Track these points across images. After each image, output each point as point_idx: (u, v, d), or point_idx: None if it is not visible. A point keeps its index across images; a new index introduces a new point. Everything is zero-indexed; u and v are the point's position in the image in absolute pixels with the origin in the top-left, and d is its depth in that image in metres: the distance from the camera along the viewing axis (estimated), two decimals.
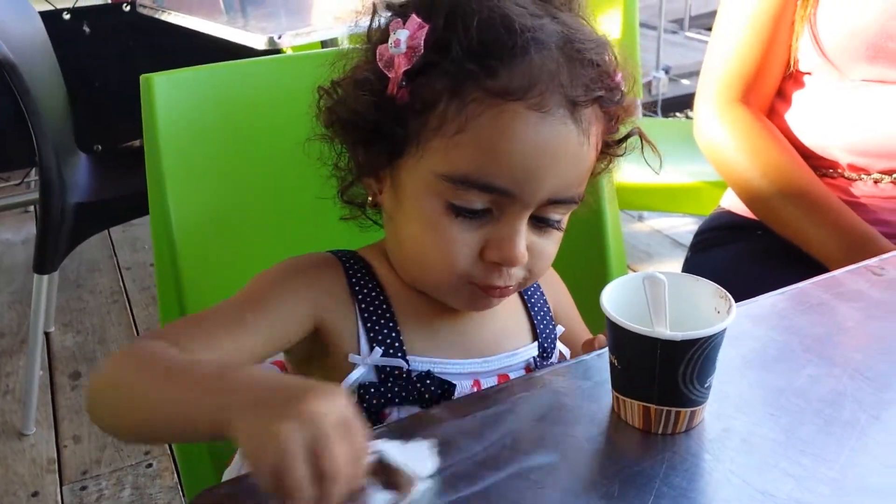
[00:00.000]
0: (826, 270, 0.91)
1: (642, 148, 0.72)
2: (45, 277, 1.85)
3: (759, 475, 0.56)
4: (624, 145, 0.71)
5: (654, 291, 0.58)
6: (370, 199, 0.72)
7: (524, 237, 0.65)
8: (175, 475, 1.74)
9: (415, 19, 0.62)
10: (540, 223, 0.66)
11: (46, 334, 2.24)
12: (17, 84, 1.65)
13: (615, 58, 0.66)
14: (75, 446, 1.85)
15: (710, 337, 0.56)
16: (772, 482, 0.55)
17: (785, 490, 0.54)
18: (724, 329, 0.57)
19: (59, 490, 1.72)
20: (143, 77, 0.90)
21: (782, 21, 1.09)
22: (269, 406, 0.48)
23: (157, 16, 2.13)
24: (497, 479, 0.56)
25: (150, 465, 1.77)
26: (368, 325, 0.69)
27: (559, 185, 0.64)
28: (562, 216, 0.67)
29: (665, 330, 0.58)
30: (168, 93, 0.90)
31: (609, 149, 0.70)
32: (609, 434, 0.61)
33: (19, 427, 1.90)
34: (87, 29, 2.39)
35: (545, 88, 0.61)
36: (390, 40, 0.63)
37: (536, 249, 0.66)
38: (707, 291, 0.62)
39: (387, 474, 0.52)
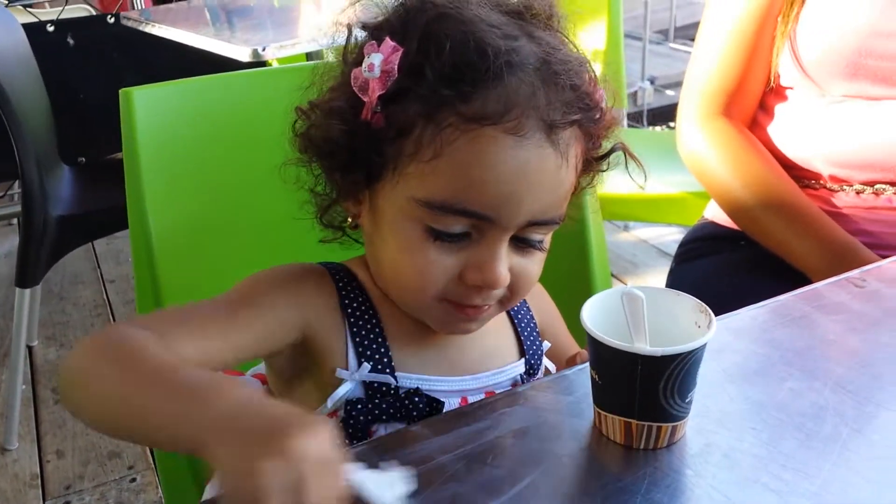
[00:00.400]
0: (809, 281, 0.91)
1: (626, 162, 0.72)
2: (28, 291, 1.84)
3: (740, 490, 0.56)
4: (607, 161, 0.70)
5: (633, 307, 0.58)
6: (349, 220, 0.71)
7: (505, 259, 0.64)
8: (159, 490, 1.73)
9: (389, 42, 0.61)
10: (521, 244, 0.66)
11: (29, 348, 2.22)
12: None
13: (594, 75, 0.65)
14: (58, 461, 1.83)
15: (690, 352, 0.56)
16: (753, 497, 0.55)
17: None
18: (705, 344, 0.57)
19: None
20: (122, 91, 0.90)
21: (763, 36, 1.10)
22: (251, 438, 0.47)
23: (141, 28, 2.12)
24: (479, 497, 0.55)
25: (133, 480, 1.76)
26: (357, 339, 0.69)
27: (538, 209, 0.63)
28: (543, 236, 0.67)
29: (645, 345, 0.58)
30: (147, 107, 0.90)
31: (592, 165, 0.69)
32: (591, 449, 0.61)
33: (1, 442, 1.89)
34: (71, 41, 2.38)
35: (521, 112, 0.60)
36: (364, 64, 0.62)
37: (518, 270, 0.66)
38: (687, 306, 0.62)
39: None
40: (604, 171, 0.71)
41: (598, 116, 0.65)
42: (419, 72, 0.60)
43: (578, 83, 0.63)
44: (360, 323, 0.69)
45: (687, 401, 0.59)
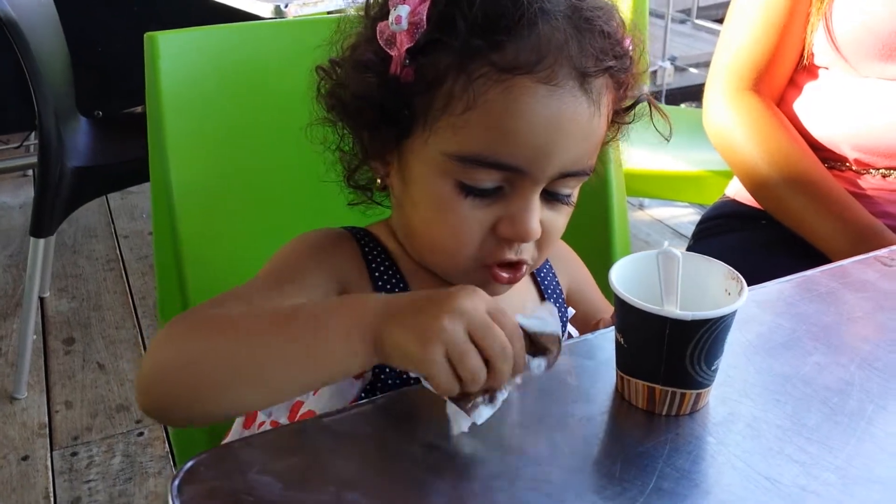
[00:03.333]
0: (829, 262, 0.90)
1: (651, 115, 0.70)
2: (42, 241, 1.84)
3: (763, 460, 0.55)
4: (632, 113, 0.69)
5: (668, 267, 0.57)
6: (378, 181, 0.70)
7: (538, 212, 0.63)
8: (166, 444, 1.74)
9: None
10: (550, 198, 0.65)
11: (41, 299, 2.23)
12: (19, 43, 1.63)
13: (623, 23, 0.64)
14: (67, 412, 1.84)
15: (720, 318, 0.55)
16: (776, 468, 0.54)
17: (790, 476, 0.53)
18: (735, 311, 0.56)
19: (49, 455, 1.71)
20: (147, 35, 0.88)
21: (797, 12, 1.08)
22: (421, 310, 0.53)
23: None
24: (498, 458, 0.55)
25: (141, 434, 1.77)
26: None
27: (570, 159, 0.62)
28: (572, 189, 0.66)
29: (675, 309, 0.57)
30: (172, 52, 0.88)
31: (618, 117, 0.68)
32: (612, 414, 0.60)
33: (11, 391, 1.90)
34: None
35: (554, 61, 0.59)
36: (391, 17, 0.60)
37: (547, 224, 0.65)
38: (718, 272, 0.61)
39: (531, 342, 0.56)
40: (629, 122, 0.70)
41: (628, 65, 0.64)
42: (450, 22, 0.59)
43: (609, 30, 0.62)
44: (387, 287, 0.69)
45: (713, 368, 0.58)
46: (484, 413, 0.55)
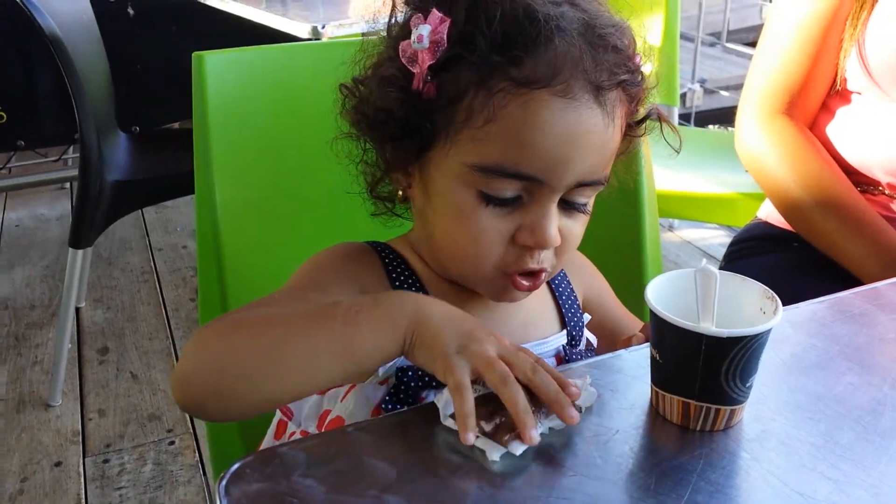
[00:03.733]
0: (861, 285, 0.90)
1: (661, 129, 0.74)
2: (80, 252, 1.88)
3: (797, 477, 0.56)
4: (643, 126, 0.72)
5: (706, 285, 0.58)
6: (399, 193, 0.73)
7: (556, 220, 0.66)
8: (196, 454, 1.76)
9: (436, 14, 0.63)
10: (567, 206, 0.67)
11: (77, 309, 2.28)
12: (63, 58, 1.68)
13: (634, 40, 0.67)
14: (100, 419, 1.88)
15: (756, 336, 0.56)
16: (810, 484, 0.55)
17: (823, 493, 0.54)
18: (770, 329, 0.57)
19: (81, 462, 1.74)
20: (195, 55, 0.91)
21: (831, 36, 1.09)
22: (446, 332, 0.60)
23: (201, 0, 2.15)
24: (535, 469, 0.56)
25: (172, 443, 1.79)
26: None
27: (586, 169, 0.65)
28: (588, 199, 0.69)
29: (711, 326, 0.58)
30: (219, 71, 0.91)
31: (630, 130, 0.71)
32: (646, 428, 0.61)
33: (46, 398, 1.94)
34: (131, 11, 2.43)
35: (570, 75, 0.62)
36: (412, 36, 0.63)
37: (565, 232, 0.68)
38: (754, 291, 0.62)
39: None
40: (640, 136, 0.72)
41: (640, 79, 0.67)
42: (470, 39, 0.62)
43: (621, 46, 0.64)
44: None
45: (747, 385, 0.59)
46: (518, 447, 0.57)
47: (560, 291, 0.79)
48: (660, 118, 0.73)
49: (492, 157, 0.63)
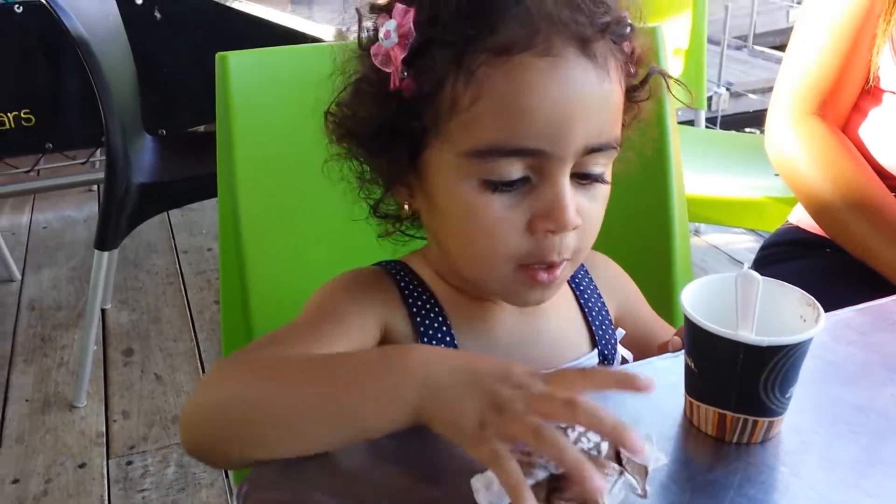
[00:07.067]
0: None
1: (668, 87, 0.69)
2: (106, 254, 1.89)
3: (838, 493, 0.53)
4: (647, 87, 0.67)
5: (747, 291, 0.55)
6: (405, 207, 0.69)
7: (571, 196, 0.61)
8: None
9: (399, 7, 0.60)
10: (583, 179, 0.62)
11: (102, 310, 2.29)
12: (89, 61, 1.69)
13: None
14: (124, 421, 1.88)
15: (797, 344, 0.54)
16: (851, 502, 0.53)
17: None
18: (812, 338, 0.55)
19: (105, 463, 1.75)
20: (218, 55, 0.90)
21: (863, 35, 1.06)
22: (464, 396, 0.52)
23: (227, 3, 2.16)
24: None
25: None
26: (422, 331, 0.68)
27: (591, 130, 0.60)
28: (604, 167, 0.63)
29: (750, 334, 0.56)
30: (242, 72, 0.90)
31: (632, 95, 0.66)
32: (680, 440, 0.59)
33: (71, 399, 1.94)
34: (158, 15, 2.44)
35: (549, 32, 0.58)
36: (380, 34, 0.61)
37: (585, 211, 0.62)
38: (793, 298, 0.60)
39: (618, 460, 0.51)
40: (645, 100, 0.68)
41: (627, 29, 0.62)
42: (437, 19, 0.59)
43: None
44: (427, 319, 0.68)
45: (787, 396, 0.57)
46: None
47: (590, 308, 0.75)
48: (662, 75, 0.68)
49: (486, 138, 0.59)
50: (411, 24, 0.60)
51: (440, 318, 0.69)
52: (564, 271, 0.65)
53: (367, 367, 0.56)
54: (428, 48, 0.60)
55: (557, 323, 0.72)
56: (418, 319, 0.68)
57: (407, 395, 0.53)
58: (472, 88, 0.58)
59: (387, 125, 0.63)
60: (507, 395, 0.50)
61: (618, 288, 0.80)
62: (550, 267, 0.63)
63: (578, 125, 0.59)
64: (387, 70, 0.61)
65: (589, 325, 0.74)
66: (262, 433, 0.56)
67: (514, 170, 0.60)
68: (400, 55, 0.60)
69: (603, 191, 0.64)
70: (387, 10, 0.62)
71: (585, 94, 0.59)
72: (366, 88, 0.64)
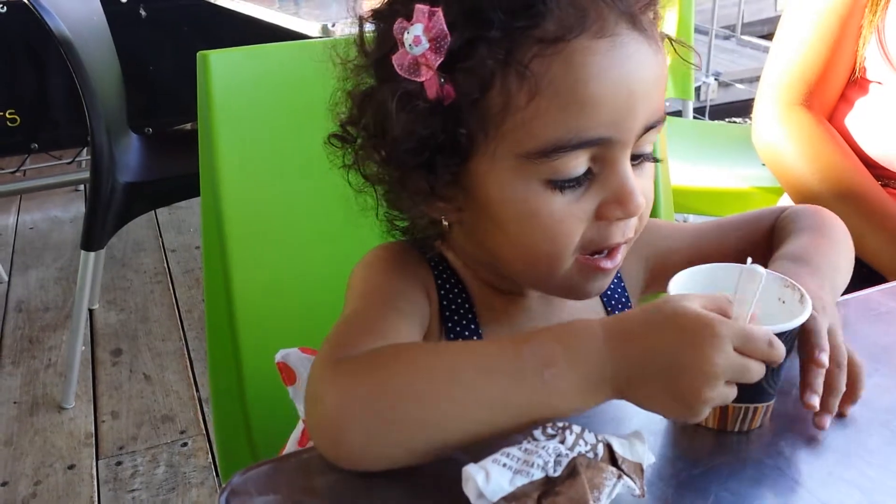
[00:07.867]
0: (882, 280, 0.87)
1: (674, 49, 0.65)
2: (92, 255, 1.88)
3: (823, 485, 0.53)
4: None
5: (748, 284, 0.53)
6: (444, 224, 0.64)
7: (635, 180, 0.58)
8: (209, 455, 1.75)
9: (421, 9, 0.55)
10: (634, 160, 0.60)
11: (90, 311, 2.28)
12: (73, 61, 1.67)
13: None
14: (113, 422, 1.87)
15: (793, 329, 0.54)
16: (837, 493, 0.53)
17: (851, 502, 0.52)
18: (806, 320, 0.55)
19: (94, 464, 1.74)
20: (199, 54, 0.90)
21: (849, 25, 1.06)
22: (677, 373, 0.51)
23: (212, 0, 2.15)
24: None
25: (185, 445, 1.79)
26: (448, 315, 0.66)
27: (653, 108, 0.58)
28: (652, 143, 0.61)
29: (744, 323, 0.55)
30: (224, 70, 0.89)
31: None
32: (666, 436, 0.59)
33: (59, 400, 1.93)
34: (143, 13, 2.43)
35: (600, 12, 0.55)
36: (405, 42, 0.55)
37: (643, 191, 0.60)
38: (770, 280, 0.59)
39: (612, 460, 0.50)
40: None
41: None
42: (479, 16, 0.54)
43: None
44: (452, 306, 0.67)
45: (782, 379, 0.57)
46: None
47: (613, 304, 0.73)
48: (669, 39, 0.64)
49: (551, 135, 0.55)
50: (443, 27, 0.54)
51: (466, 306, 0.67)
52: (623, 253, 0.63)
53: (556, 365, 0.52)
54: (470, 48, 0.55)
55: (578, 313, 0.70)
56: (445, 303, 0.66)
57: (603, 387, 0.52)
58: (528, 83, 0.55)
59: (427, 139, 0.57)
60: (697, 360, 0.50)
61: (641, 246, 0.73)
62: (611, 252, 0.61)
63: (640, 105, 0.57)
64: (415, 79, 0.56)
65: (608, 314, 0.73)
66: (434, 428, 0.52)
67: (580, 164, 0.57)
68: (436, 60, 0.55)
69: (652, 168, 0.63)
70: (400, 14, 0.56)
71: (643, 72, 0.57)
72: (393, 104, 0.57)
